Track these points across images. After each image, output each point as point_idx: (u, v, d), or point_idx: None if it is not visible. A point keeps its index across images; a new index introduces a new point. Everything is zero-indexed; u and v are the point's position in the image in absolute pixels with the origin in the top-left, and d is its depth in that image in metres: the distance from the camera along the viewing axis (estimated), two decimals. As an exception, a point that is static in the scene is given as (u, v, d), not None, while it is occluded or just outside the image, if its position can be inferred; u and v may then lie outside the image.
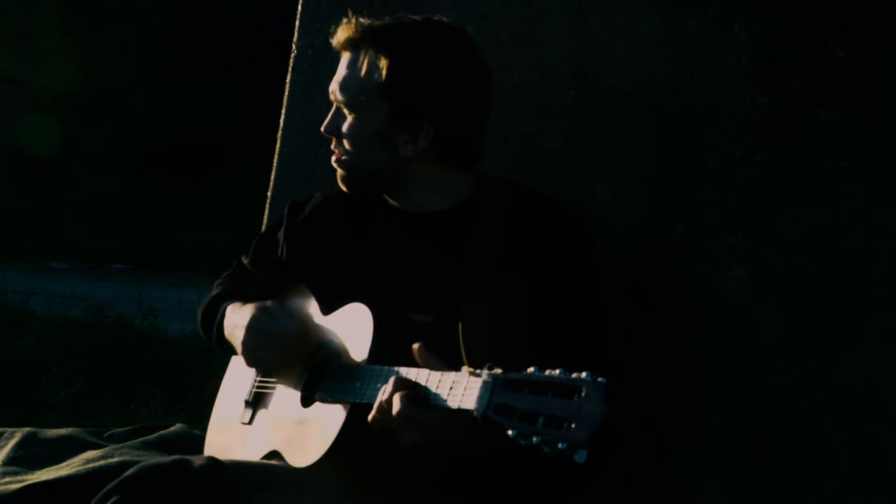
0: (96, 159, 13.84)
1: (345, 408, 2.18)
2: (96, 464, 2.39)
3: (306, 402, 2.29)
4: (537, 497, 2.23)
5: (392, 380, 2.06)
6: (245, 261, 2.60)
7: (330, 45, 2.38)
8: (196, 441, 2.62)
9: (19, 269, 9.76)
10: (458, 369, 1.97)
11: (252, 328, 2.31)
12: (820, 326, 2.41)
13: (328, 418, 2.20)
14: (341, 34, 2.33)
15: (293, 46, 2.95)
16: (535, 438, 1.79)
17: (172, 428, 2.79)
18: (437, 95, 2.29)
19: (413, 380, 2.04)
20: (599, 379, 1.80)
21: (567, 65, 2.63)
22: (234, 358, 2.53)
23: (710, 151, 2.49)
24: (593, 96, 2.60)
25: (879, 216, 2.38)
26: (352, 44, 2.33)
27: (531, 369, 1.85)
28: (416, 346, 2.05)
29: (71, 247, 12.22)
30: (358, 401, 2.14)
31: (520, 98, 2.66)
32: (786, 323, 2.42)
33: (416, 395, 2.03)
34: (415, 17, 2.36)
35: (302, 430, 2.26)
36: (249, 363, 2.36)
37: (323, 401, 2.24)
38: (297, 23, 2.95)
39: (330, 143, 2.40)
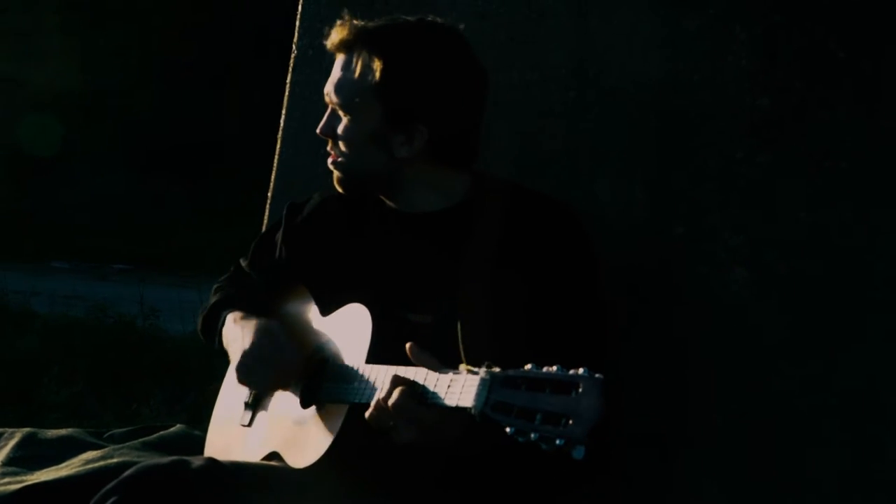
0: (97, 159, 13.85)
1: (344, 408, 2.18)
2: (96, 464, 2.39)
3: (305, 403, 2.28)
4: (536, 495, 2.23)
5: (390, 378, 2.06)
6: (243, 263, 2.60)
7: (331, 45, 2.38)
8: (196, 442, 2.62)
9: (20, 269, 9.77)
10: (455, 368, 1.97)
11: (250, 354, 2.31)
12: (821, 327, 2.40)
13: (327, 419, 2.20)
14: (335, 36, 2.33)
15: (293, 47, 2.95)
16: (532, 435, 1.80)
17: (172, 429, 2.79)
18: (431, 96, 2.28)
19: (411, 378, 2.04)
20: (597, 375, 1.80)
21: (567, 65, 2.63)
22: (233, 359, 2.53)
23: (710, 152, 2.49)
24: (594, 97, 2.60)
25: (880, 217, 2.38)
26: (345, 45, 2.32)
27: (528, 366, 1.86)
28: (408, 344, 2.05)
29: (72, 247, 12.22)
30: (357, 401, 2.14)
31: (520, 98, 2.66)
32: (787, 324, 2.42)
33: (413, 392, 2.03)
34: (408, 18, 2.35)
35: (301, 431, 2.26)
36: (241, 383, 2.36)
37: (322, 402, 2.24)
38: (297, 23, 2.94)
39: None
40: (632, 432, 2.43)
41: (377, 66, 2.27)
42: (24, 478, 2.42)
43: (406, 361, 2.06)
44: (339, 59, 2.34)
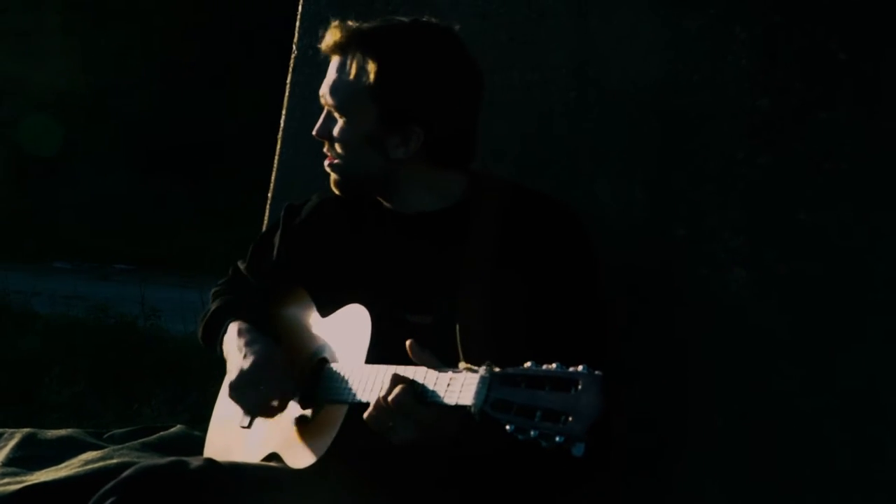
0: (99, 159, 13.86)
1: (343, 408, 2.18)
2: (95, 465, 2.39)
3: (305, 403, 2.28)
4: (536, 494, 2.23)
5: (389, 377, 2.05)
6: (242, 266, 2.59)
7: (331, 46, 2.38)
8: (196, 442, 2.62)
9: (22, 269, 9.78)
10: (455, 367, 1.97)
11: (245, 376, 2.29)
12: (821, 328, 2.40)
13: (326, 419, 2.20)
14: (329, 38, 2.32)
15: (293, 47, 2.95)
16: (532, 432, 1.79)
17: (172, 429, 2.79)
18: (426, 97, 2.28)
19: (411, 377, 2.04)
20: (596, 372, 1.80)
21: (568, 66, 2.63)
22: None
23: (710, 153, 2.49)
24: (594, 97, 2.60)
25: (880, 218, 2.38)
26: (340, 47, 2.32)
27: (528, 364, 1.85)
28: (409, 342, 2.04)
29: (73, 247, 12.23)
30: (356, 401, 2.14)
31: (520, 99, 2.66)
32: (787, 325, 2.42)
33: (413, 390, 2.02)
34: (403, 19, 2.34)
35: (301, 432, 2.26)
36: (231, 399, 2.34)
37: (321, 402, 2.24)
38: (297, 23, 2.94)
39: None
40: (632, 432, 2.43)
41: (372, 67, 2.27)
42: (23, 478, 2.42)
43: (405, 362, 2.06)
44: (334, 60, 2.34)
